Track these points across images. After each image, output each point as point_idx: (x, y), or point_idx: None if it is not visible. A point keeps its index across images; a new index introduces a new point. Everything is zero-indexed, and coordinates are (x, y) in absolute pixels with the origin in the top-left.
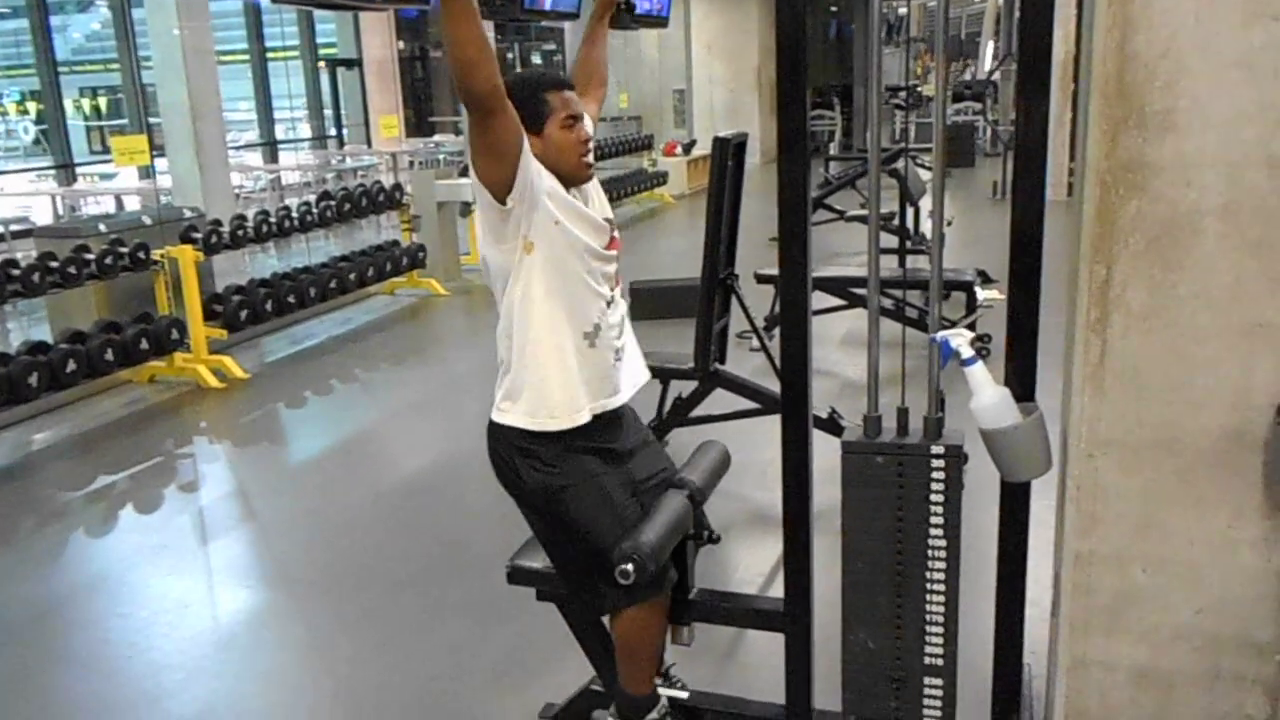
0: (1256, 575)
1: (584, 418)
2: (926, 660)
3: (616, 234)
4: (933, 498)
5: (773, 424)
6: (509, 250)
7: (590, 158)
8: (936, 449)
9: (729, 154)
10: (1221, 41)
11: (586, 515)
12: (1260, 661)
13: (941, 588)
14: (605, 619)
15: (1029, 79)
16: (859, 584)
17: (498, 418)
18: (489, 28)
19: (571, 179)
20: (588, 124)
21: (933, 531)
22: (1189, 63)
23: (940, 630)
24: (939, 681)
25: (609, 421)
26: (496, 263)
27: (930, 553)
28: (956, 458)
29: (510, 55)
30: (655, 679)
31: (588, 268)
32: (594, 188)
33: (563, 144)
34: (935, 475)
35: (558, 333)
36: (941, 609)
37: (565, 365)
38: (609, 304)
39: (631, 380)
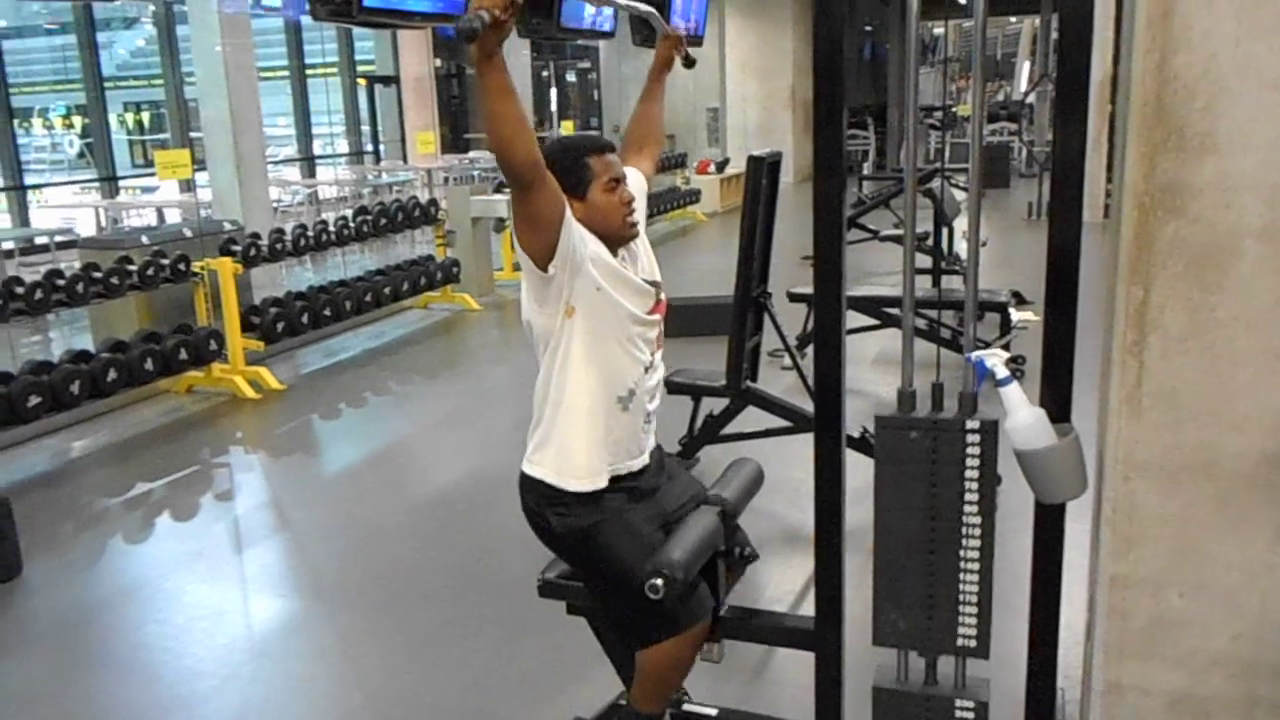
0: None
1: (603, 481)
2: (959, 641)
3: (662, 297)
4: (967, 474)
5: (804, 443)
6: (550, 315)
7: (635, 217)
8: (972, 424)
9: (764, 173)
10: (1262, 63)
11: (614, 550)
12: None
13: (975, 566)
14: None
15: (1067, 100)
16: (891, 563)
17: (527, 469)
18: (524, 45)
19: (617, 240)
20: (634, 182)
21: (967, 509)
22: (1229, 84)
23: (974, 610)
24: (971, 704)
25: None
26: (539, 326)
27: (965, 530)
28: (992, 433)
29: (545, 73)
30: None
31: (628, 333)
32: (643, 246)
33: (606, 207)
34: (970, 451)
35: (591, 396)
36: (975, 588)
37: (593, 430)
38: (647, 369)
39: (650, 446)
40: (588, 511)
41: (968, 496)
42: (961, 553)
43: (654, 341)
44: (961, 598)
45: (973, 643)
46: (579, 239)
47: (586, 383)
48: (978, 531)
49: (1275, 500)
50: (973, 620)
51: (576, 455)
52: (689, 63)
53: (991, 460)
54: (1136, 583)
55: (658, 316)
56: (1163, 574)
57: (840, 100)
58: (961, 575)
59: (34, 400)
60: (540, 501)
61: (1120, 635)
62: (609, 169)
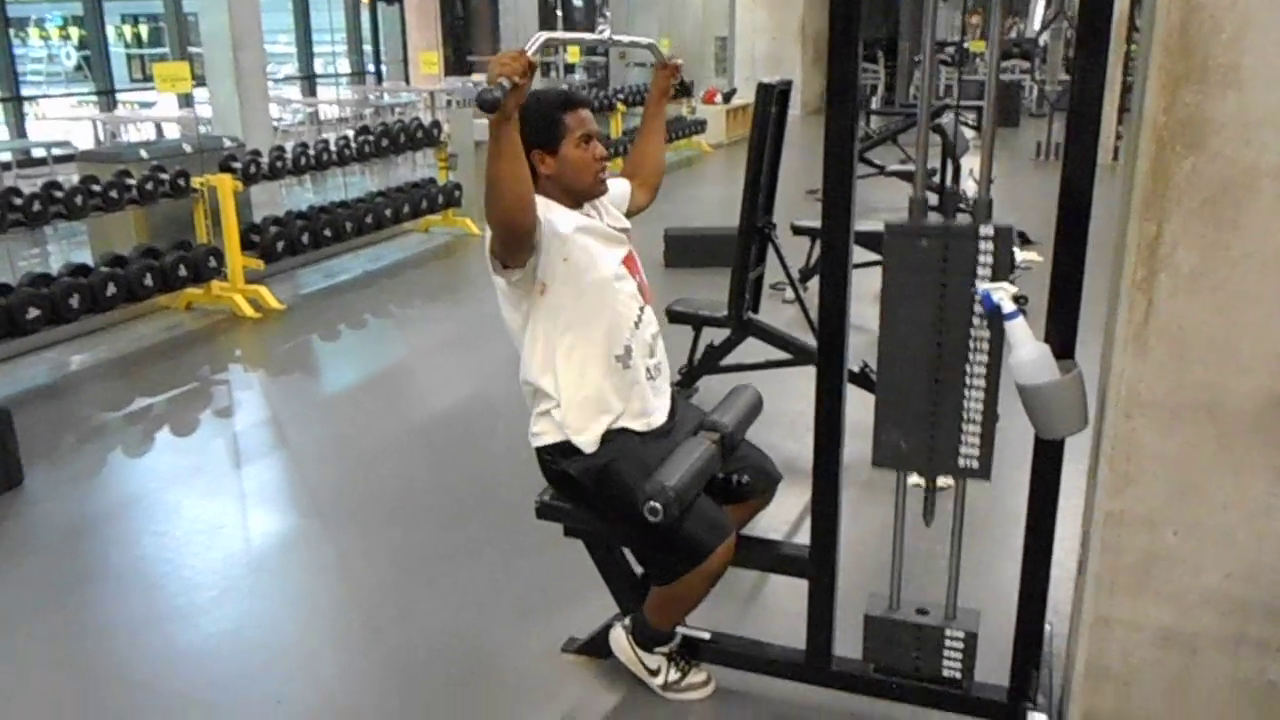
0: None
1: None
2: (962, 462)
3: (636, 256)
4: (978, 284)
5: (803, 375)
6: (524, 299)
7: (604, 174)
8: (986, 230)
9: (773, 101)
10: None
11: (630, 485)
12: None
13: (982, 383)
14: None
15: (1088, 36)
16: (894, 380)
17: (535, 442)
18: None
19: (586, 195)
20: (618, 188)
21: (976, 321)
22: (1255, 17)
23: (978, 429)
24: (960, 634)
25: None
26: (515, 316)
27: (972, 344)
28: (1006, 240)
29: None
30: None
31: (608, 292)
32: (606, 200)
33: (578, 162)
34: (983, 260)
35: (587, 360)
36: (981, 405)
37: (600, 393)
38: (638, 323)
39: (666, 405)
40: (604, 450)
41: (976, 308)
42: (968, 368)
43: (639, 293)
44: (965, 415)
45: (975, 464)
46: (547, 223)
47: (579, 349)
48: (986, 346)
49: (1277, 442)
50: (976, 440)
51: (585, 419)
52: (683, 90)
53: (1005, 269)
54: (1132, 519)
55: (636, 276)
56: (1159, 511)
57: (856, 30)
58: (967, 392)
59: (33, 313)
60: (555, 458)
61: (1113, 570)
62: (582, 124)
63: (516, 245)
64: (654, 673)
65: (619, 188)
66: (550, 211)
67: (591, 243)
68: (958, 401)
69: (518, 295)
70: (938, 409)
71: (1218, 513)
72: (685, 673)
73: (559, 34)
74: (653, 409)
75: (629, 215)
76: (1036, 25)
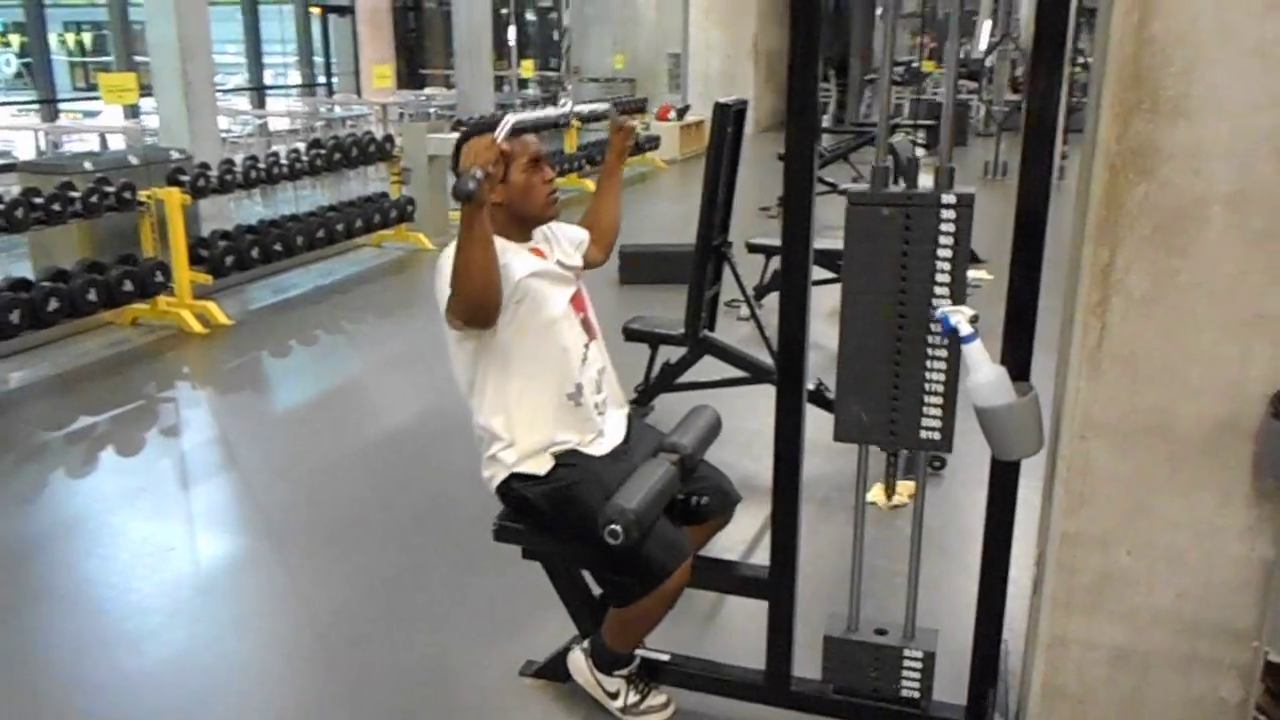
0: (1240, 562)
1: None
2: (923, 434)
3: (582, 288)
4: (940, 253)
5: (758, 393)
6: (475, 342)
7: (555, 196)
8: (948, 198)
9: (729, 120)
10: (1240, 29)
11: (588, 507)
12: (1238, 647)
13: (944, 354)
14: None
15: (1043, 56)
16: (857, 350)
17: (491, 485)
18: None
19: (537, 219)
20: (574, 233)
21: (938, 290)
22: (1207, 50)
23: (940, 401)
24: (919, 654)
25: None
26: (463, 361)
27: (934, 313)
28: (968, 208)
29: (505, 10)
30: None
31: (555, 332)
32: (559, 230)
33: (527, 187)
34: (945, 228)
35: (538, 400)
36: (942, 377)
37: (550, 429)
38: (584, 360)
39: (620, 428)
40: (558, 474)
41: (939, 278)
42: (929, 339)
43: (583, 332)
44: (927, 387)
45: (936, 435)
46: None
47: (531, 391)
48: None
49: (1225, 464)
50: (938, 412)
51: (535, 452)
52: (639, 148)
53: (965, 237)
54: (1087, 540)
55: (581, 313)
56: (1113, 532)
57: (815, 49)
58: (929, 364)
59: None
60: (513, 486)
61: (1068, 590)
62: (526, 149)
63: (481, 323)
64: (613, 696)
65: (578, 234)
66: (506, 255)
67: (543, 285)
68: (920, 373)
69: (468, 339)
70: (900, 381)
71: (1169, 533)
72: (645, 695)
73: (525, 115)
74: (606, 434)
75: (585, 266)
76: (983, 47)
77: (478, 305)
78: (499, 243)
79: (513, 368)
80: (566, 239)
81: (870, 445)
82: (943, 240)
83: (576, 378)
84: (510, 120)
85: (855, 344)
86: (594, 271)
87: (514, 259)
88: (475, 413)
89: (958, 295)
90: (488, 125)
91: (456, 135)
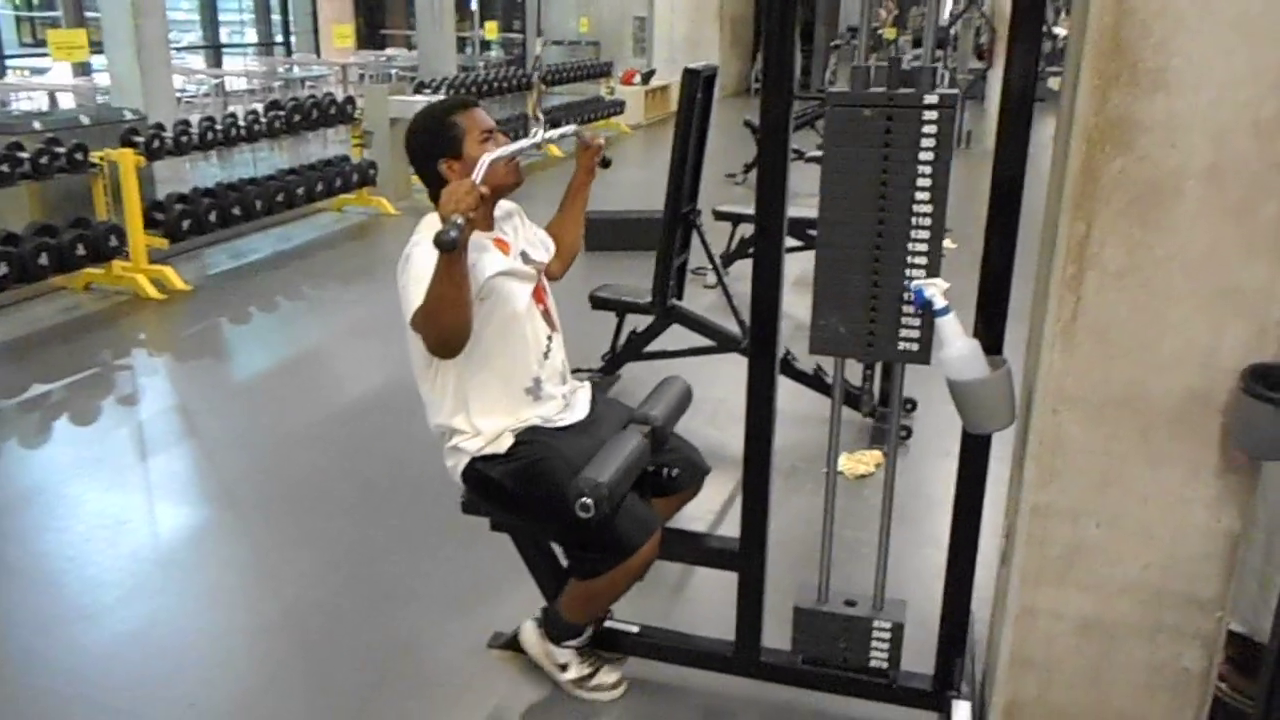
0: (1206, 534)
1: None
2: (901, 346)
3: (545, 282)
4: (922, 155)
5: (725, 362)
6: None
7: (515, 162)
8: (931, 99)
9: (699, 87)
10: (1221, 1)
11: (552, 483)
12: (1202, 617)
13: (924, 261)
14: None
15: (1022, 23)
16: (835, 259)
17: (455, 475)
18: None
19: (502, 190)
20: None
21: (919, 195)
22: (1187, 21)
23: (918, 313)
24: (888, 625)
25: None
26: (423, 356)
27: (914, 220)
28: (951, 109)
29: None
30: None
31: (517, 328)
32: (525, 224)
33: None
34: (927, 130)
35: (496, 395)
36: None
37: (506, 420)
38: (546, 353)
39: (583, 405)
40: (521, 451)
41: (920, 182)
42: (910, 245)
43: (545, 325)
44: (907, 297)
45: (914, 346)
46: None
47: (491, 385)
48: (928, 222)
49: (1195, 437)
50: (916, 323)
51: (498, 435)
52: (606, 163)
53: (948, 141)
54: (1057, 512)
55: (542, 305)
56: (1082, 504)
57: (792, 15)
58: (909, 271)
59: None
60: (476, 468)
61: (1037, 561)
62: (478, 123)
63: (446, 355)
64: (562, 668)
65: (548, 239)
66: (473, 252)
67: (509, 283)
68: (899, 282)
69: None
70: (879, 291)
71: (1138, 505)
72: (596, 670)
73: (500, 150)
74: (569, 413)
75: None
76: (947, 14)
77: (445, 342)
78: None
79: (473, 364)
80: (534, 235)
81: (847, 358)
82: (925, 144)
83: (535, 371)
84: (487, 160)
85: (833, 253)
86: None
87: (481, 256)
88: (434, 412)
89: (938, 202)
90: (445, 108)
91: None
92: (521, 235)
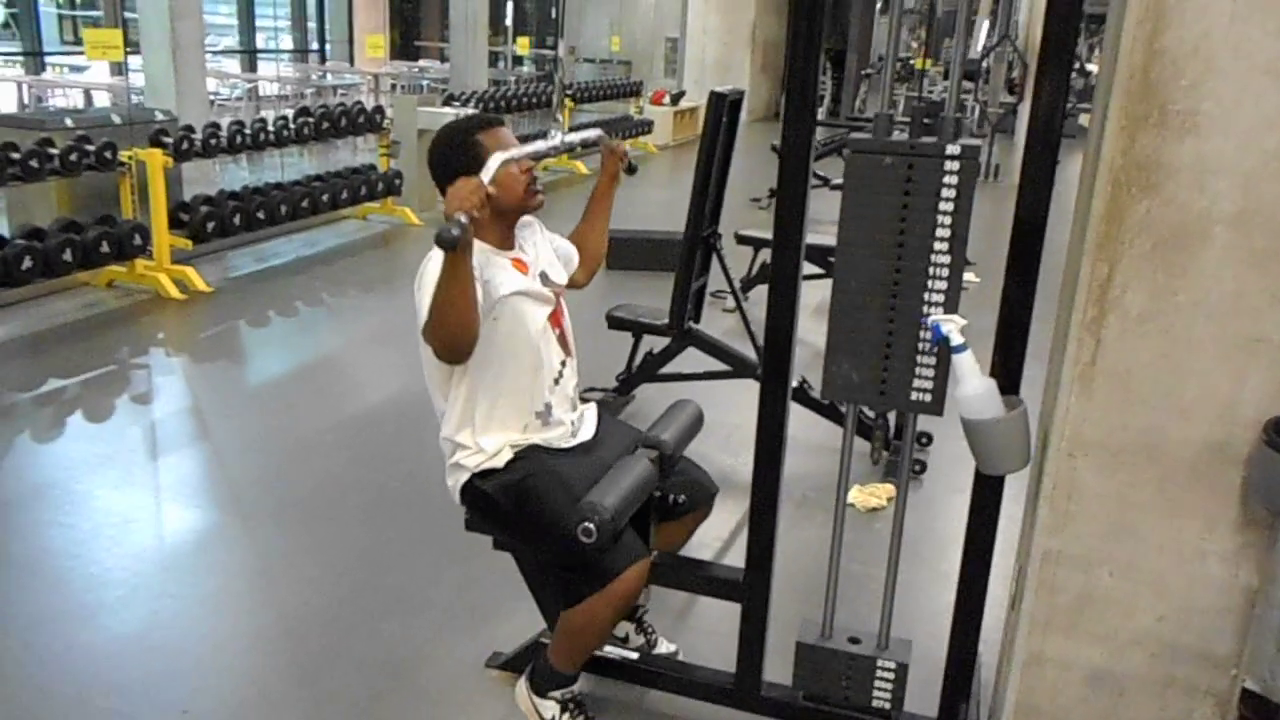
0: (1222, 588)
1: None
2: (914, 395)
3: (562, 305)
4: (942, 206)
5: (742, 387)
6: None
7: (536, 186)
8: (953, 149)
9: (724, 110)
10: (1254, 45)
11: (546, 501)
12: (1215, 673)
13: (940, 313)
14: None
15: (1050, 58)
16: (850, 305)
17: (455, 494)
18: None
19: (521, 211)
20: (563, 247)
21: (938, 246)
22: (1219, 64)
23: (933, 361)
24: (892, 665)
25: None
26: (439, 374)
27: (932, 269)
28: (973, 161)
29: None
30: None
31: (531, 352)
32: (547, 240)
33: (506, 180)
34: (948, 181)
35: (506, 418)
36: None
37: (512, 438)
38: (558, 379)
39: (590, 428)
40: (519, 466)
41: (939, 233)
42: (927, 295)
43: (560, 350)
44: (922, 347)
45: (927, 397)
46: (482, 288)
47: (499, 407)
48: (945, 273)
49: (1213, 489)
50: (930, 373)
51: (496, 453)
52: (631, 170)
53: (969, 192)
54: (1068, 559)
55: (558, 329)
56: (1095, 552)
57: (818, 42)
58: (925, 321)
59: None
60: (474, 484)
61: (1047, 609)
62: (500, 142)
63: (452, 360)
64: None
65: (569, 250)
66: (488, 270)
67: (524, 303)
68: (914, 331)
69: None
70: (893, 339)
71: (1153, 556)
72: None
73: (512, 151)
74: (573, 437)
75: (569, 286)
76: (980, 47)
77: (451, 346)
78: (482, 254)
79: (485, 383)
80: (555, 252)
81: (858, 405)
82: (945, 194)
83: (546, 397)
84: (498, 159)
85: (848, 298)
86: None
87: (497, 274)
88: (443, 424)
89: (957, 252)
90: (469, 126)
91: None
92: (542, 255)
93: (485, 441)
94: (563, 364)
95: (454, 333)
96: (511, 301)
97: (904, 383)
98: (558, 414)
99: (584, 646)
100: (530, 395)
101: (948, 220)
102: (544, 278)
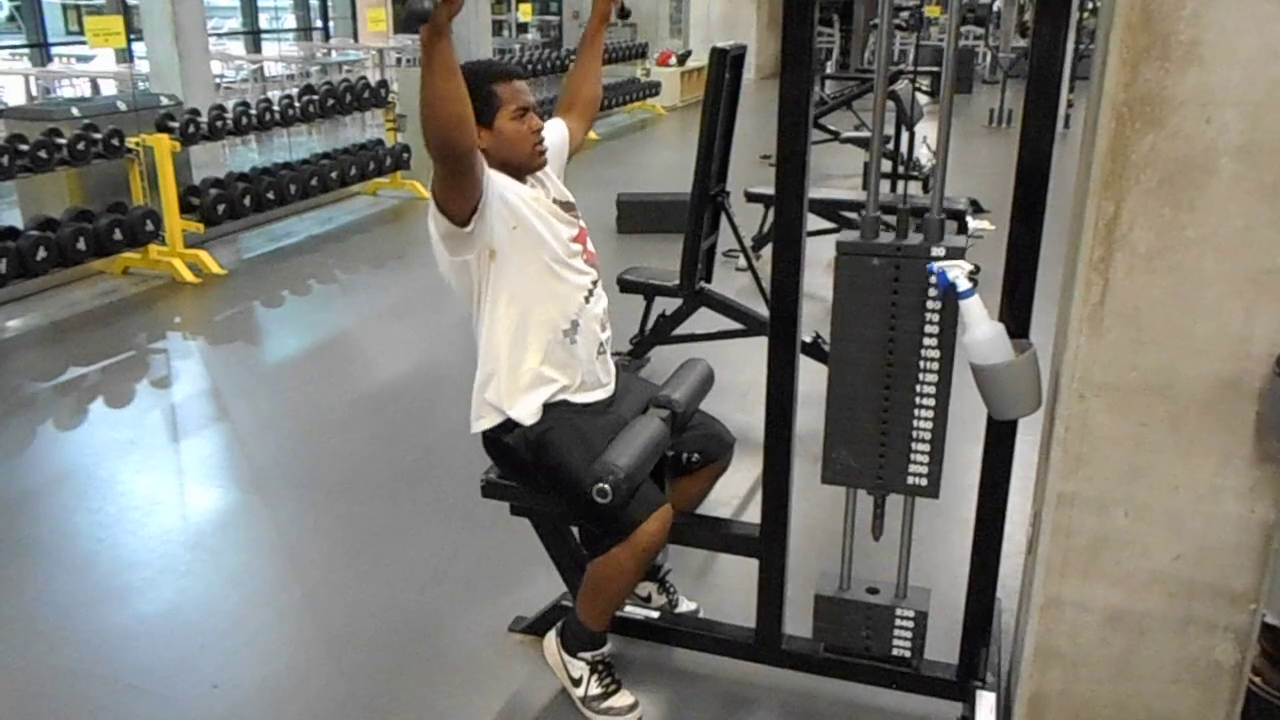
0: (1239, 524)
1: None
2: (910, 480)
3: (583, 224)
4: (929, 304)
5: (755, 346)
6: (471, 265)
7: (543, 146)
8: (938, 251)
9: (726, 66)
10: None
11: (564, 455)
12: (1234, 610)
13: (931, 403)
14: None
15: (1050, 3)
16: (845, 397)
17: (475, 428)
18: None
19: (524, 168)
20: (555, 133)
21: (926, 341)
22: None
23: (926, 449)
24: (911, 613)
25: None
26: (460, 280)
27: (922, 364)
28: (959, 259)
29: None
30: (609, 623)
31: (557, 264)
32: (548, 175)
33: (514, 136)
34: (934, 280)
35: (532, 335)
36: (930, 425)
37: (541, 367)
38: (589, 297)
39: (612, 381)
40: (541, 419)
41: (928, 329)
42: (918, 388)
43: (589, 269)
44: (915, 435)
45: (923, 481)
46: (493, 184)
47: (524, 322)
48: (935, 366)
49: (1226, 425)
50: (924, 459)
51: (522, 391)
52: (624, 13)
53: (954, 291)
54: (1083, 501)
55: (580, 247)
56: (1110, 493)
57: None
58: (916, 411)
59: None
60: (496, 434)
61: (1064, 551)
62: (516, 96)
63: (457, 173)
64: (576, 682)
65: (557, 136)
66: (499, 179)
67: (545, 216)
68: (908, 420)
69: (461, 250)
70: (888, 428)
71: (1168, 495)
72: (608, 691)
73: None
74: (598, 384)
75: (571, 155)
76: None
77: (446, 145)
78: (500, 178)
79: (507, 295)
80: (554, 158)
81: (858, 489)
82: (932, 291)
83: (574, 315)
84: None
85: (844, 389)
86: (589, 219)
87: (509, 184)
88: (477, 337)
89: (946, 346)
90: (488, 73)
91: None
92: (553, 188)
93: (511, 365)
94: (594, 283)
95: (444, 122)
96: (530, 212)
97: (899, 469)
98: (585, 333)
99: (611, 599)
100: (557, 312)
101: (935, 319)
102: (565, 205)
